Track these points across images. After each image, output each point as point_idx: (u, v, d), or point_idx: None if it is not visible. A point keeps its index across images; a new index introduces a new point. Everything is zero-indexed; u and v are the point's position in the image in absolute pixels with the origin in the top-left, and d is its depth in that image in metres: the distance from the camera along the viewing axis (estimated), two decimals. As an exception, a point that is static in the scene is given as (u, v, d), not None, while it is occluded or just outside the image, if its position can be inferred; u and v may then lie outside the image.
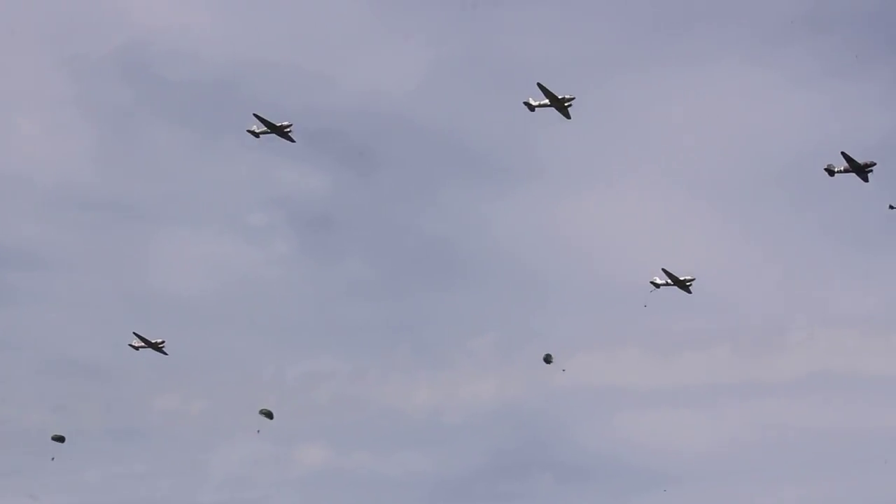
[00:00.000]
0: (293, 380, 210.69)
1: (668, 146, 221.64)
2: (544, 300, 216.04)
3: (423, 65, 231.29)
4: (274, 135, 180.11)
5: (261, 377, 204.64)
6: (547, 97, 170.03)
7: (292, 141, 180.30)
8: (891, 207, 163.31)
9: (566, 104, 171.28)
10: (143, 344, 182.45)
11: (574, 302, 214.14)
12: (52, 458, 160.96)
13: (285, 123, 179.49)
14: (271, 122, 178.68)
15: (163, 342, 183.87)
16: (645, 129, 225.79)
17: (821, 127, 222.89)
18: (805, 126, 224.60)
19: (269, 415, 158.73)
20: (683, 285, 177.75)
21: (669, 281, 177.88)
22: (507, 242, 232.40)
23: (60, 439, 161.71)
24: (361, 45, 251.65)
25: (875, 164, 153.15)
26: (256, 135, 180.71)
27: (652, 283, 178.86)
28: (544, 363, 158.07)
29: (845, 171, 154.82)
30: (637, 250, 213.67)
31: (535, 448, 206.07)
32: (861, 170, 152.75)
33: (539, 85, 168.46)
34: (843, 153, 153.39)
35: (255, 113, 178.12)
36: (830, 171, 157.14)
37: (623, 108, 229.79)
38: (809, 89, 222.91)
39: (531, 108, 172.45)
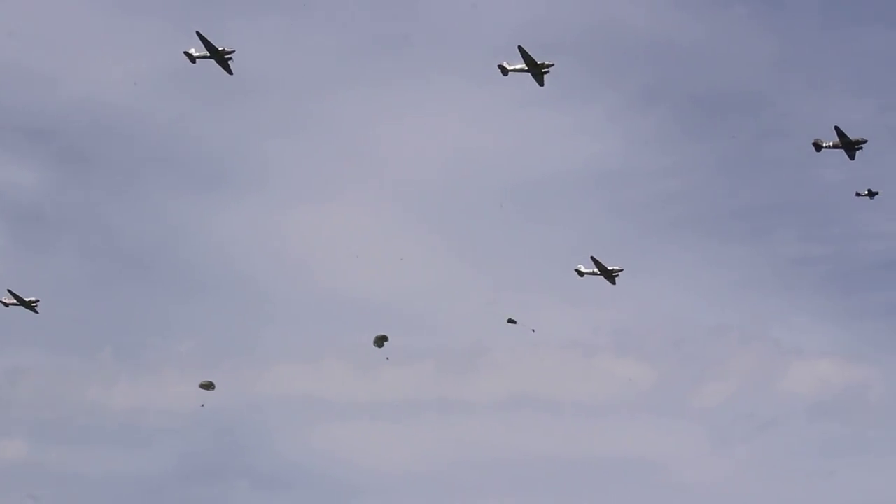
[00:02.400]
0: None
1: (389, 163, 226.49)
2: (255, 308, 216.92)
3: (147, 70, 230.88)
4: (212, 60, 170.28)
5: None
6: (525, 61, 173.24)
7: (230, 72, 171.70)
8: (857, 195, 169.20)
9: (543, 70, 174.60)
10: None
11: (284, 312, 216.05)
12: None
13: (227, 49, 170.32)
14: (212, 44, 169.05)
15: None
16: (368, 146, 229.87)
17: (542, 149, 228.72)
18: (527, 148, 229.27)
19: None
20: (610, 275, 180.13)
21: (596, 270, 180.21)
22: (221, 249, 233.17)
23: None
24: (86, 47, 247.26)
25: (866, 140, 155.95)
26: (193, 59, 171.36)
27: (576, 271, 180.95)
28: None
29: (834, 146, 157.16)
30: (351, 265, 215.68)
31: (233, 454, 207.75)
32: (851, 146, 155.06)
33: (520, 48, 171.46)
34: (836, 127, 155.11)
35: (198, 31, 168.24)
36: (818, 146, 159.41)
37: (348, 123, 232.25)
38: (533, 111, 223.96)
39: (505, 71, 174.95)
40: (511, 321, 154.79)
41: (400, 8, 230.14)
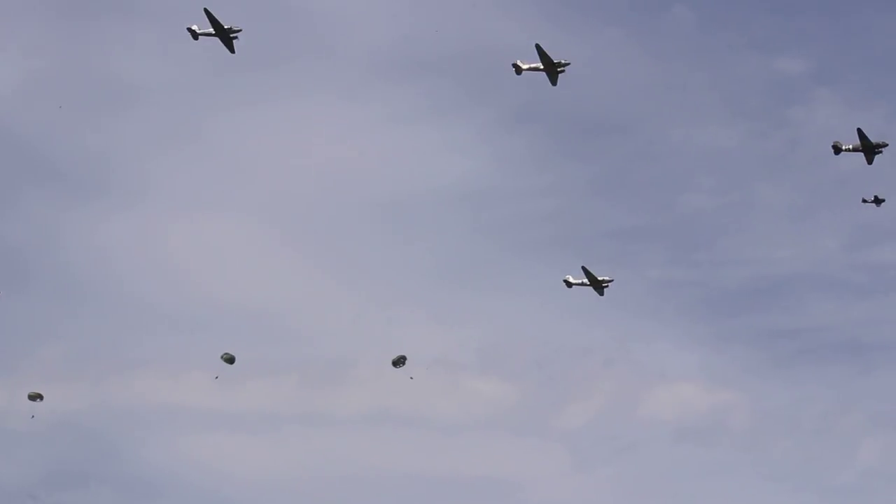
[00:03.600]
0: None
1: (262, 177, 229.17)
2: (127, 317, 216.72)
3: (16, 74, 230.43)
4: (217, 38, 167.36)
5: None
6: (541, 60, 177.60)
7: (232, 51, 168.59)
8: (864, 201, 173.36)
9: (559, 70, 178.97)
10: None
11: (156, 321, 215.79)
12: None
13: (234, 27, 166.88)
14: (219, 21, 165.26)
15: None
16: (243, 159, 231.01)
17: (411, 166, 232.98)
18: (396, 164, 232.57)
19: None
20: (599, 286, 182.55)
21: (585, 281, 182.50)
22: (98, 258, 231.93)
23: None
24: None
25: (887, 144, 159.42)
26: (196, 35, 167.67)
27: (565, 281, 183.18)
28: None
29: (854, 149, 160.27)
30: (224, 277, 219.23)
31: (96, 461, 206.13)
32: (871, 150, 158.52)
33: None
34: (858, 129, 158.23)
35: (206, 8, 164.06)
36: (837, 149, 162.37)
37: (224, 136, 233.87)
38: (404, 128, 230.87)
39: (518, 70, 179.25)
40: (398, 361, 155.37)
41: (275, 23, 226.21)
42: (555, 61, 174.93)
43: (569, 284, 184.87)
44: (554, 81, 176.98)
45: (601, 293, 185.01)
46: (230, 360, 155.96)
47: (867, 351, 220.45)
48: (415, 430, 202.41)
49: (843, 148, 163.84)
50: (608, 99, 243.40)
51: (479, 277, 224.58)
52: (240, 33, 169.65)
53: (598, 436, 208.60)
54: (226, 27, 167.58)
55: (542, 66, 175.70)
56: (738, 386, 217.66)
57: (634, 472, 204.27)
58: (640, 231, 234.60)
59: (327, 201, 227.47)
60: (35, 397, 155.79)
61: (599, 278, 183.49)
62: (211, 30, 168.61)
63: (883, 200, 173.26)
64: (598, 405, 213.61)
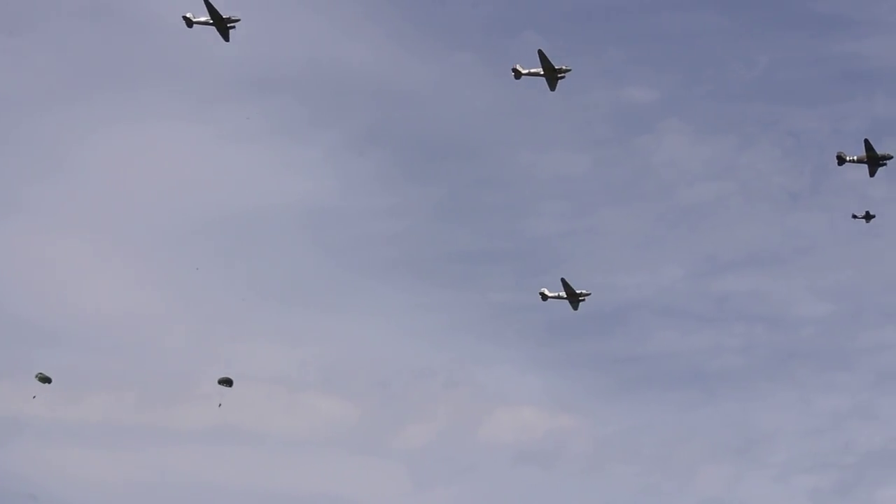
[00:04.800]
0: None
1: (102, 192, 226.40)
2: None
3: None
4: (213, 27, 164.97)
5: None
6: (542, 65, 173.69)
7: (227, 39, 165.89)
8: (854, 217, 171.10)
9: (559, 76, 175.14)
10: None
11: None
12: None
13: (233, 17, 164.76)
14: (218, 11, 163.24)
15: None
16: (80, 173, 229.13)
17: (254, 184, 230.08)
18: (238, 182, 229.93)
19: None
20: (576, 299, 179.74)
21: (562, 294, 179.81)
22: None
23: None
24: None
25: (892, 156, 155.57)
26: (190, 23, 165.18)
27: (540, 294, 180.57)
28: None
29: (858, 160, 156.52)
30: (60, 291, 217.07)
31: None
32: (876, 161, 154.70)
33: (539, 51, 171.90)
34: (865, 140, 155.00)
35: None
36: (841, 159, 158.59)
37: (59, 147, 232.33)
38: (247, 146, 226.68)
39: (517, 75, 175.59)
40: (225, 381, 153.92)
41: (118, 37, 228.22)
42: (556, 67, 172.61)
43: (544, 297, 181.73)
44: (553, 87, 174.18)
45: (576, 307, 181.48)
46: (45, 379, 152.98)
47: (708, 379, 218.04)
48: (255, 446, 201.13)
49: (848, 159, 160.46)
50: (456, 123, 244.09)
51: (323, 297, 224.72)
52: (237, 23, 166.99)
53: (438, 456, 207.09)
54: (224, 17, 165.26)
55: (542, 72, 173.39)
56: (579, 411, 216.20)
57: (474, 493, 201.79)
58: (485, 254, 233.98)
59: (173, 219, 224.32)
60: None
61: (577, 291, 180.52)
62: (207, 18, 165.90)
63: (873, 216, 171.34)
64: (438, 426, 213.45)
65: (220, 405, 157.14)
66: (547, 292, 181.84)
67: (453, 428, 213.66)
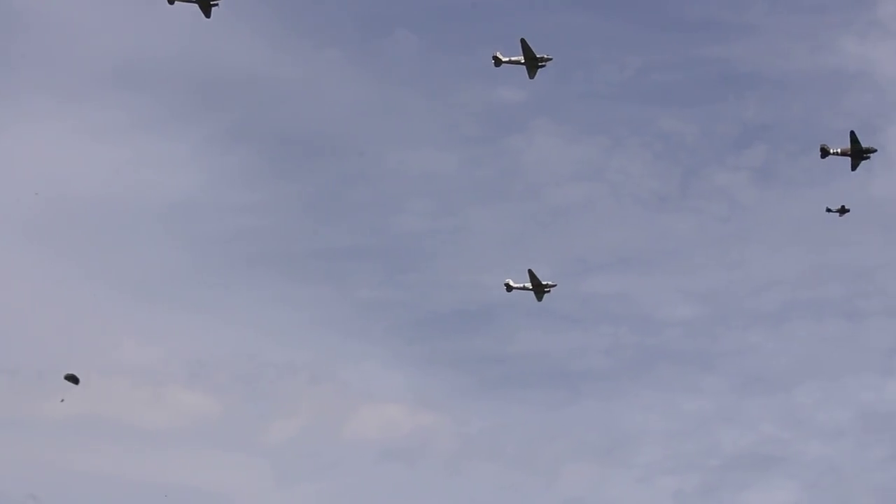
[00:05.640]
0: None
1: None
2: None
3: None
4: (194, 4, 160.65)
5: None
6: (524, 54, 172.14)
7: (208, 17, 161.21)
8: (828, 210, 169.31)
9: (540, 64, 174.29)
10: None
11: None
12: None
13: None
14: None
15: None
16: None
17: (126, 178, 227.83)
18: (111, 177, 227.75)
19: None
20: (541, 290, 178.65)
21: (527, 285, 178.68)
22: None
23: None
24: None
25: (876, 150, 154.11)
26: (172, 0, 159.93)
27: (505, 285, 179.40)
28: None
29: (842, 153, 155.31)
30: None
31: None
32: (860, 154, 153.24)
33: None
34: (851, 132, 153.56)
35: None
36: (825, 152, 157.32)
37: None
38: (120, 140, 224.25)
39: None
40: (70, 379, 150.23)
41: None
42: (537, 55, 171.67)
43: (509, 288, 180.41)
44: (532, 75, 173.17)
45: (540, 298, 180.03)
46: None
47: (574, 379, 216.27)
48: (118, 437, 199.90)
49: (832, 151, 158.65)
50: (325, 120, 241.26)
51: (187, 292, 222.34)
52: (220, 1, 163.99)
53: (302, 452, 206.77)
54: None
55: (522, 60, 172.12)
56: (444, 409, 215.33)
57: (337, 489, 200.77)
58: (352, 251, 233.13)
59: (29, 213, 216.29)
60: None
61: (544, 283, 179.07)
62: None
63: (847, 210, 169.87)
64: (303, 422, 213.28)
65: (62, 400, 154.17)
66: (512, 283, 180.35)
67: (317, 424, 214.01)
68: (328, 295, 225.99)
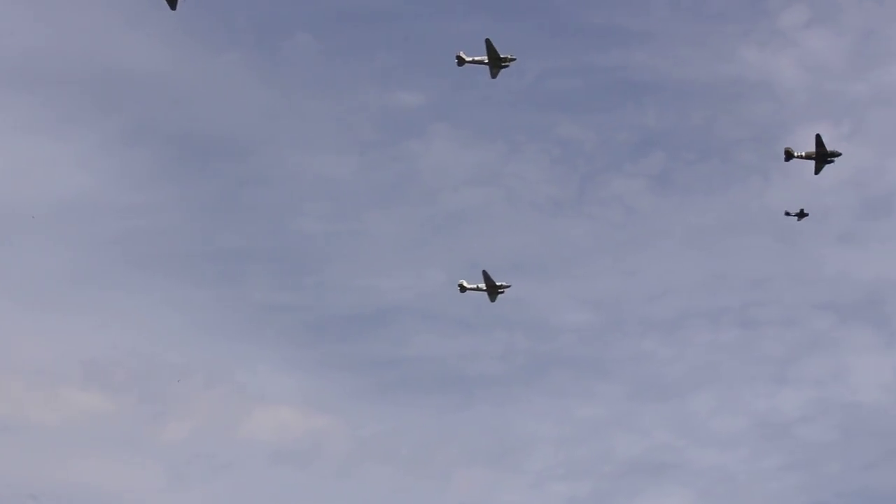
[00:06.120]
0: None
1: None
2: None
3: None
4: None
5: None
6: (488, 54, 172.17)
7: (173, 8, 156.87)
8: (787, 214, 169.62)
9: (504, 65, 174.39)
10: None
11: None
12: None
13: None
14: None
15: None
16: None
17: (24, 177, 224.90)
18: (11, 175, 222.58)
19: None
20: (495, 291, 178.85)
21: (481, 285, 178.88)
22: None
23: None
24: None
25: (840, 154, 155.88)
26: None
27: (459, 285, 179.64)
28: None
29: (806, 156, 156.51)
30: None
31: None
32: (824, 158, 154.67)
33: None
34: (817, 135, 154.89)
35: None
36: (789, 155, 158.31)
37: None
38: (19, 139, 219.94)
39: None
40: None
41: None
42: (501, 56, 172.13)
43: (462, 289, 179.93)
44: (494, 75, 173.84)
45: (493, 299, 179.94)
46: None
47: (468, 384, 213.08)
48: (11, 436, 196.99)
49: (796, 154, 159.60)
50: (223, 122, 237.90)
51: (83, 291, 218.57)
52: None
53: (194, 453, 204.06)
54: None
55: (486, 60, 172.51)
56: (337, 411, 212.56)
57: (230, 490, 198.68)
58: (246, 253, 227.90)
59: None
60: None
61: (498, 283, 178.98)
62: None
63: (806, 215, 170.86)
64: (195, 423, 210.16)
65: None
66: (466, 284, 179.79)
67: (211, 426, 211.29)
68: (223, 297, 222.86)
